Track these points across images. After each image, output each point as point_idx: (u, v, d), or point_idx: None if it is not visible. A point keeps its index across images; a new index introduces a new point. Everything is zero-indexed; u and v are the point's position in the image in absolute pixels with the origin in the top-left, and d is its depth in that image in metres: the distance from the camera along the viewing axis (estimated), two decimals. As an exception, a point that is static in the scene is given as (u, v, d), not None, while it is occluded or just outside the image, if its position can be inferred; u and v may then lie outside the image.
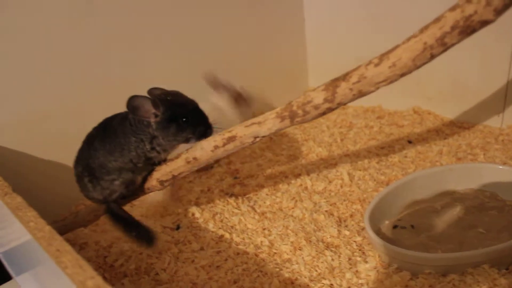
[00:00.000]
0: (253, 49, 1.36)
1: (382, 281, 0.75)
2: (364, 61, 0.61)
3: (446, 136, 1.19)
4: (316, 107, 0.62)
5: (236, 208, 1.00)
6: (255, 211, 0.99)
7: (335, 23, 1.42)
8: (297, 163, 1.15)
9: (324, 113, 0.63)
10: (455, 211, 0.90)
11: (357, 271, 0.80)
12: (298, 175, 1.10)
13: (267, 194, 1.04)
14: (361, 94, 0.60)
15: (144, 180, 0.82)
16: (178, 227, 0.96)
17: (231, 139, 0.70)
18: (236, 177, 1.12)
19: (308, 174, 1.09)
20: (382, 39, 1.28)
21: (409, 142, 1.18)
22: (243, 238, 0.91)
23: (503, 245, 0.73)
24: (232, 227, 0.95)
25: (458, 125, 1.23)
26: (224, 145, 0.71)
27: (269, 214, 0.97)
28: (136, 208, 1.04)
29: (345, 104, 0.62)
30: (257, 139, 0.68)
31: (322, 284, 0.77)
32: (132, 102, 0.72)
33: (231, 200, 1.02)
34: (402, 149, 1.15)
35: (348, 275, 0.78)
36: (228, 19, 1.28)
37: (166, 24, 1.16)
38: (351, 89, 0.60)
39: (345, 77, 0.60)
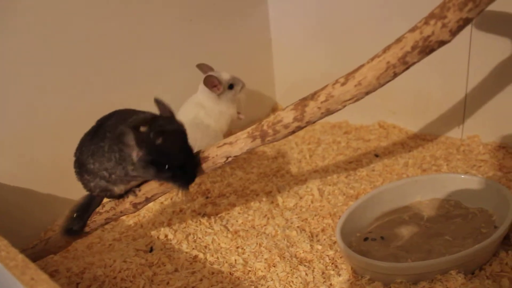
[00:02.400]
0: (221, 67, 1.38)
1: (356, 293, 0.78)
2: (329, 77, 0.64)
3: (411, 148, 1.24)
4: (286, 126, 0.65)
5: (209, 227, 1.01)
6: (228, 230, 1.00)
7: (300, 42, 1.46)
8: (268, 181, 1.17)
9: (293, 132, 0.65)
10: (422, 221, 0.94)
11: (331, 284, 0.82)
12: (269, 192, 1.12)
13: (239, 213, 1.06)
14: (329, 112, 0.63)
15: (127, 191, 0.80)
16: (151, 250, 0.96)
17: (204, 159, 0.72)
18: (207, 196, 1.13)
19: (279, 191, 1.11)
20: (346, 57, 1.33)
21: (376, 155, 1.22)
22: (217, 258, 0.92)
23: (467, 251, 0.77)
24: (205, 247, 0.95)
25: (422, 138, 1.28)
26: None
27: (242, 233, 0.98)
28: (108, 232, 1.04)
29: (314, 122, 0.64)
30: (229, 159, 0.70)
31: (298, 299, 0.79)
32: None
33: (204, 220, 1.03)
34: (370, 163, 1.19)
35: (322, 289, 0.80)
36: (196, 41, 1.30)
37: (128, 50, 1.17)
38: (319, 108, 0.63)
39: (313, 96, 0.63)
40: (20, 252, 0.60)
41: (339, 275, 0.83)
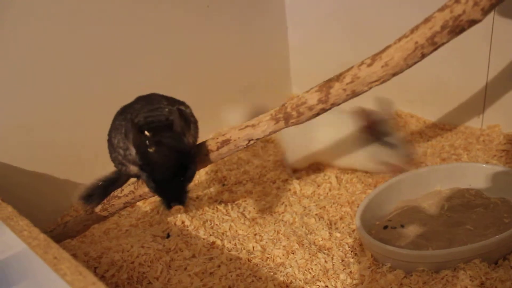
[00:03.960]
0: (237, 57, 1.37)
1: (377, 280, 0.77)
2: (346, 66, 0.62)
3: (429, 138, 1.22)
4: (310, 108, 0.64)
5: (226, 214, 1.00)
6: (245, 217, 0.99)
7: (317, 31, 1.44)
8: (285, 169, 1.16)
9: (318, 114, 0.64)
10: (443, 210, 0.92)
11: (350, 272, 0.81)
12: (286, 180, 1.11)
13: (256, 200, 1.05)
14: (355, 94, 0.61)
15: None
16: (168, 236, 0.95)
17: (225, 142, 0.71)
18: (224, 184, 1.12)
19: (296, 179, 1.10)
20: (364, 46, 1.31)
21: (394, 144, 1.20)
22: (235, 244, 0.91)
23: (491, 240, 0.76)
24: (223, 233, 0.95)
25: (441, 127, 1.26)
26: (218, 149, 0.72)
27: (259, 220, 0.98)
28: (124, 218, 1.04)
29: (338, 104, 0.63)
30: (251, 142, 0.69)
31: (317, 286, 0.78)
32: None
33: (221, 207, 1.02)
34: (387, 153, 1.17)
35: (342, 276, 0.79)
36: (212, 28, 1.29)
37: (149, 35, 1.16)
38: (344, 90, 0.61)
39: (338, 77, 0.62)
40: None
41: (359, 262, 0.82)
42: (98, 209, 0.82)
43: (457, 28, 0.56)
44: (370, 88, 0.61)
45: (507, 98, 1.16)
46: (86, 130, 1.07)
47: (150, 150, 0.64)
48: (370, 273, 0.79)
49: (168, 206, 0.67)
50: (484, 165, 0.99)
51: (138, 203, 1.08)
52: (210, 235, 0.94)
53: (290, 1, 1.47)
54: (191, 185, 1.12)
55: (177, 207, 0.90)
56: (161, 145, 0.64)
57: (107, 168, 1.09)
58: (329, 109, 0.64)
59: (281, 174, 1.13)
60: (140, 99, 0.75)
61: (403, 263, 0.78)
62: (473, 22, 0.56)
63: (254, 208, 1.02)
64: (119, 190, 0.80)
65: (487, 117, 1.21)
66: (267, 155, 1.23)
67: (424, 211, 0.93)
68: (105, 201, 0.81)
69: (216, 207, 1.02)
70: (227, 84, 1.35)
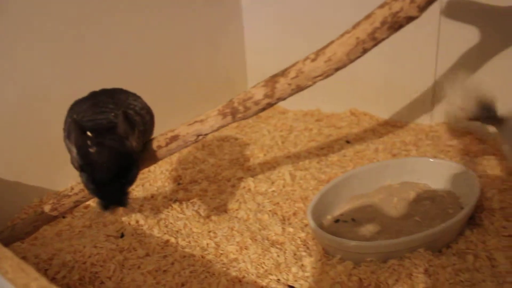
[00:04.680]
0: (194, 56, 1.38)
1: (327, 272, 0.79)
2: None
3: (382, 135, 1.26)
4: (256, 103, 0.65)
5: (180, 213, 1.01)
6: (200, 215, 1.00)
7: (272, 30, 1.47)
8: (240, 167, 1.17)
9: (264, 109, 0.66)
10: (392, 204, 0.96)
11: (302, 265, 0.82)
12: (241, 178, 1.12)
13: (211, 198, 1.06)
14: (299, 88, 0.63)
15: None
16: (122, 235, 0.95)
17: (174, 138, 0.71)
18: (179, 183, 1.13)
19: (251, 177, 1.11)
20: (317, 43, 1.34)
21: (347, 142, 1.24)
22: (189, 242, 0.92)
23: (434, 230, 0.79)
24: (177, 231, 0.95)
25: (392, 124, 1.30)
26: (167, 144, 0.72)
27: (214, 217, 0.99)
28: (78, 219, 1.03)
29: (284, 99, 0.65)
30: (200, 137, 0.70)
31: (270, 280, 0.80)
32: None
33: (175, 206, 1.02)
34: (341, 149, 1.21)
35: (294, 269, 0.81)
36: (169, 26, 1.29)
37: (104, 27, 1.15)
38: (289, 84, 0.63)
39: (283, 72, 0.64)
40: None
41: (311, 256, 0.84)
42: (47, 209, 0.81)
43: (395, 24, 0.59)
44: (315, 82, 0.63)
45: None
46: (36, 134, 1.05)
47: (92, 150, 0.63)
48: (321, 265, 0.81)
49: (105, 208, 0.66)
50: (432, 160, 1.03)
51: (92, 204, 1.07)
52: (165, 233, 0.94)
53: (246, 1, 1.49)
54: (146, 185, 1.13)
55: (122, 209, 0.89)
56: (103, 146, 0.64)
57: (61, 171, 1.09)
58: (275, 103, 0.65)
59: (236, 172, 1.14)
60: (90, 97, 0.74)
61: (352, 255, 0.80)
62: (410, 19, 0.59)
63: (208, 206, 1.02)
64: (69, 188, 0.80)
65: (436, 115, 1.26)
66: (222, 154, 1.24)
67: (375, 205, 0.96)
68: (55, 200, 0.80)
69: (171, 206, 1.03)
70: (182, 84, 1.35)
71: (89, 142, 0.63)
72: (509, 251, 0.80)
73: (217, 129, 0.69)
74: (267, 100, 0.64)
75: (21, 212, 1.07)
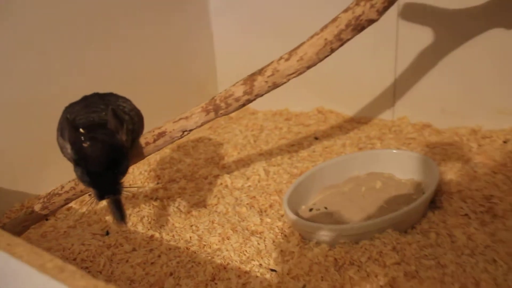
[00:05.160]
0: (164, 60, 1.44)
1: (305, 255, 0.87)
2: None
3: (348, 130, 1.35)
4: (237, 100, 0.73)
5: (162, 209, 1.07)
6: (181, 211, 1.06)
7: (241, 34, 1.55)
8: (215, 165, 1.24)
9: (244, 105, 0.74)
10: (361, 192, 1.05)
11: (281, 250, 0.90)
12: (217, 176, 1.19)
13: (190, 195, 1.12)
14: (275, 85, 0.71)
15: None
16: (107, 233, 1.00)
17: (161, 134, 0.78)
18: (158, 182, 1.19)
19: (227, 174, 1.19)
20: (286, 46, 1.43)
21: (316, 138, 1.33)
22: (173, 236, 0.98)
23: (400, 211, 0.88)
24: (160, 227, 1.01)
25: (357, 121, 1.40)
26: (154, 141, 0.79)
27: (194, 212, 1.05)
28: (61, 221, 1.07)
29: (262, 95, 0.73)
30: (185, 133, 0.77)
31: (252, 265, 0.87)
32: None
33: (156, 203, 1.09)
34: (310, 145, 1.30)
35: (274, 255, 0.89)
36: (138, 32, 1.35)
37: (76, 34, 1.20)
38: (266, 82, 0.71)
39: (260, 71, 0.72)
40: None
41: (289, 241, 0.92)
42: (38, 207, 0.86)
43: (358, 26, 0.68)
44: (288, 80, 0.71)
45: (412, 92, 1.33)
46: (15, 137, 1.10)
47: (85, 145, 0.69)
48: (298, 249, 0.89)
49: (101, 197, 0.72)
50: (395, 151, 1.13)
51: (74, 206, 1.12)
52: (148, 229, 1.00)
53: (215, 6, 1.57)
54: (129, 185, 1.18)
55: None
56: (95, 140, 0.70)
57: (43, 172, 1.13)
58: (254, 99, 0.73)
59: (212, 170, 1.21)
60: (82, 100, 0.80)
61: (327, 238, 0.89)
62: (371, 21, 0.68)
63: (188, 203, 1.09)
64: (59, 187, 0.85)
65: (397, 110, 1.37)
66: (198, 153, 1.31)
67: (345, 194, 1.05)
68: (45, 199, 0.85)
69: (152, 204, 1.09)
70: (153, 88, 1.41)
71: (82, 138, 0.69)
72: (466, 228, 0.90)
73: (201, 125, 0.76)
74: (246, 97, 0.72)
75: (3, 217, 1.11)
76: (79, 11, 1.18)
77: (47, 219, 1.08)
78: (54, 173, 1.13)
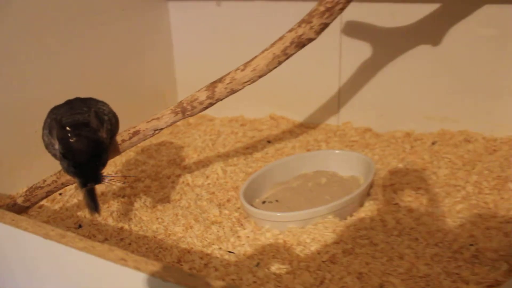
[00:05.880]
0: (125, 70, 1.58)
1: (259, 238, 1.03)
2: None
3: (298, 135, 1.53)
4: (201, 103, 0.89)
5: (129, 205, 1.21)
6: (147, 206, 1.20)
7: (200, 46, 1.71)
8: (177, 166, 1.39)
9: (206, 107, 0.89)
10: (308, 188, 1.22)
11: (238, 236, 1.06)
12: (179, 175, 1.34)
13: (155, 192, 1.26)
14: (233, 91, 0.88)
15: None
16: (80, 226, 1.13)
17: (136, 133, 0.93)
18: (124, 182, 1.32)
19: (188, 173, 1.34)
20: (241, 59, 1.61)
21: (269, 142, 1.50)
22: (141, 227, 1.12)
23: (340, 200, 1.06)
24: (129, 220, 1.15)
25: (306, 126, 1.58)
26: (130, 138, 0.94)
27: (159, 207, 1.19)
28: (34, 218, 1.19)
29: (222, 99, 0.89)
30: (157, 131, 0.92)
31: (213, 248, 1.02)
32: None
33: (124, 200, 1.22)
34: (263, 148, 1.46)
35: (232, 240, 1.04)
36: (97, 41, 1.48)
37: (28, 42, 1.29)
38: (225, 88, 0.87)
39: (221, 79, 0.88)
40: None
41: (244, 228, 1.08)
42: (20, 200, 0.98)
43: (300, 43, 0.85)
44: (244, 87, 0.88)
45: (355, 100, 1.52)
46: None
47: (72, 140, 0.84)
48: (253, 234, 1.05)
49: (84, 185, 0.85)
50: (337, 151, 1.31)
51: (46, 204, 1.24)
52: (118, 222, 1.14)
53: (174, 19, 1.72)
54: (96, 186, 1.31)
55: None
56: (80, 136, 0.84)
57: (13, 171, 1.25)
58: (215, 103, 0.89)
59: (174, 170, 1.36)
60: (66, 103, 0.94)
61: (278, 224, 1.05)
62: (310, 40, 0.85)
63: (154, 199, 1.23)
64: (41, 181, 0.98)
65: (341, 116, 1.56)
66: (160, 156, 1.46)
67: (293, 189, 1.22)
68: (27, 192, 0.98)
69: (120, 200, 1.22)
70: (114, 97, 1.54)
71: (69, 135, 0.83)
72: (395, 214, 1.08)
73: (171, 124, 0.92)
74: (209, 101, 0.88)
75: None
76: (46, 21, 1.30)
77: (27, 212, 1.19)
78: (25, 173, 1.25)
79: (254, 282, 0.90)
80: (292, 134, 1.55)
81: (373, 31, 1.44)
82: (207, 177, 1.32)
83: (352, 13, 1.42)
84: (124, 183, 1.32)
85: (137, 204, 1.20)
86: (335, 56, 1.50)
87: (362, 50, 1.47)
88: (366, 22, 1.44)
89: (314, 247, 0.98)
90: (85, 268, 0.66)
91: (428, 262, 0.93)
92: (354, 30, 1.46)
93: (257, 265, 0.95)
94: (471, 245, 0.97)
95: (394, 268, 0.92)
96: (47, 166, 1.03)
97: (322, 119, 1.60)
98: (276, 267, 0.94)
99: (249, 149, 1.46)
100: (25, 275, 0.76)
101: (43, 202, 1.22)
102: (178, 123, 1.63)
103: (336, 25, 1.46)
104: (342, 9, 0.83)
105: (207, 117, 1.74)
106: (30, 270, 0.74)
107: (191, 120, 1.73)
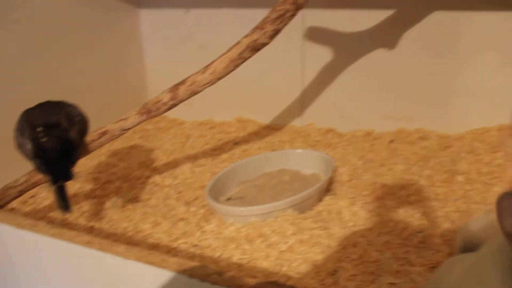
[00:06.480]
0: (99, 79, 1.66)
1: (223, 232, 1.11)
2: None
3: (264, 136, 1.62)
4: (164, 104, 0.97)
5: (100, 206, 1.28)
6: (118, 206, 1.27)
7: (169, 54, 1.80)
8: (147, 168, 1.46)
9: (170, 108, 0.98)
10: (271, 185, 1.31)
11: (204, 230, 1.14)
12: (149, 176, 1.41)
13: (125, 193, 1.33)
14: (194, 93, 0.96)
15: None
16: (52, 225, 1.20)
17: (104, 133, 1.01)
18: (96, 184, 1.39)
19: (157, 174, 1.41)
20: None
21: (236, 143, 1.59)
22: (111, 225, 1.19)
23: (298, 195, 1.15)
24: (100, 219, 1.22)
25: (272, 128, 1.68)
26: (98, 138, 1.01)
27: (129, 206, 1.27)
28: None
29: (184, 100, 0.97)
30: (124, 131, 1.00)
31: (179, 243, 1.10)
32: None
33: (95, 201, 1.29)
34: (231, 149, 1.55)
35: (197, 234, 1.12)
36: (69, 51, 1.55)
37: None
38: (187, 90, 0.96)
39: (183, 82, 0.96)
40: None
41: (210, 224, 1.16)
42: (-7, 200, 1.05)
43: (255, 48, 0.94)
44: (204, 88, 0.96)
45: (317, 103, 1.63)
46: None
47: (43, 140, 0.91)
48: (217, 228, 1.13)
49: (55, 182, 0.93)
50: (299, 151, 1.40)
51: (18, 206, 1.30)
52: (89, 221, 1.21)
53: (145, 29, 1.81)
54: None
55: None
56: (52, 136, 0.92)
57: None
58: (178, 104, 0.98)
59: (144, 172, 1.43)
60: (38, 106, 1.01)
61: (241, 218, 1.14)
62: (264, 44, 0.94)
63: (124, 199, 1.30)
64: (13, 181, 1.05)
65: (305, 118, 1.66)
66: (131, 158, 1.53)
67: (257, 186, 1.30)
68: (0, 192, 1.04)
69: (91, 201, 1.29)
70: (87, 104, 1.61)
71: (41, 135, 0.90)
72: (351, 207, 1.18)
73: (137, 124, 1.00)
74: (172, 102, 0.96)
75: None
76: (19, 27, 1.37)
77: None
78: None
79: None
80: (258, 136, 1.63)
81: (334, 35, 1.54)
82: (176, 177, 1.39)
83: (314, 19, 1.52)
84: (95, 184, 1.39)
85: (107, 205, 1.27)
86: (298, 60, 1.60)
87: (323, 54, 1.57)
88: (328, 28, 1.54)
89: (274, 239, 1.07)
90: (56, 253, 0.73)
91: (379, 249, 1.02)
92: (316, 35, 1.55)
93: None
94: (419, 232, 1.07)
95: (348, 255, 1.01)
96: (19, 168, 1.10)
97: (287, 121, 1.69)
98: (237, 258, 1.02)
99: (216, 151, 1.55)
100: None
101: (15, 204, 1.28)
102: (149, 127, 1.73)
103: (298, 31, 1.56)
104: (292, 16, 0.93)
105: (177, 121, 1.81)
106: (4, 259, 0.81)
107: (162, 124, 1.80)
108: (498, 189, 1.23)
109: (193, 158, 1.51)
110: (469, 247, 0.76)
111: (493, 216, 0.83)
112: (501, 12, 1.38)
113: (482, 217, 0.80)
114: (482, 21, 1.40)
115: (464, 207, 1.16)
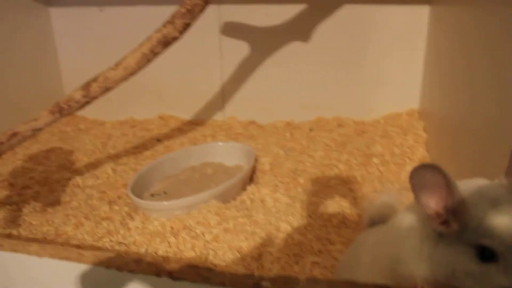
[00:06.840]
0: (13, 79, 1.61)
1: (147, 227, 1.12)
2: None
3: (186, 132, 1.64)
4: (77, 102, 0.96)
5: (17, 211, 1.24)
6: (36, 210, 1.24)
7: (84, 51, 1.77)
8: (67, 170, 1.44)
9: (83, 106, 0.97)
10: (195, 179, 1.33)
11: (128, 228, 1.14)
12: (69, 178, 1.39)
13: (44, 197, 1.31)
14: (107, 89, 0.96)
15: None
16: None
17: (14, 135, 0.98)
18: (12, 190, 1.35)
19: (78, 175, 1.39)
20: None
21: (158, 140, 1.59)
22: (31, 231, 1.16)
23: (220, 186, 1.18)
24: (17, 226, 1.19)
25: (194, 123, 1.69)
26: (8, 140, 0.99)
27: (50, 210, 1.24)
28: None
29: (97, 97, 0.97)
30: (36, 132, 0.98)
31: (104, 242, 1.10)
32: None
33: (12, 207, 1.26)
34: (153, 147, 1.55)
35: (122, 232, 1.12)
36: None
37: None
38: (100, 87, 0.96)
39: (95, 79, 0.96)
40: None
41: (134, 220, 1.16)
42: None
43: (166, 43, 0.96)
44: (117, 84, 0.97)
45: (238, 96, 1.66)
46: None
47: None
48: (142, 224, 1.13)
49: None
50: (221, 143, 1.43)
51: None
52: (5, 228, 1.17)
53: (58, 25, 1.77)
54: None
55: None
56: None
57: None
58: (91, 101, 0.97)
59: (64, 174, 1.41)
60: None
61: (164, 212, 1.15)
62: (175, 38, 0.96)
63: (43, 203, 1.28)
64: None
65: (227, 111, 1.69)
66: (49, 162, 1.49)
67: (181, 181, 1.32)
68: None
69: (8, 208, 1.25)
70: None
71: None
72: (273, 194, 1.22)
73: (50, 124, 0.98)
74: (85, 99, 0.96)
75: None
76: None
77: None
78: None
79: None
80: (181, 131, 1.65)
81: (251, 30, 1.58)
82: (98, 177, 1.38)
83: (230, 14, 1.55)
84: (11, 191, 1.35)
85: (26, 210, 1.24)
86: (216, 55, 1.63)
87: (241, 49, 1.60)
88: (243, 22, 1.58)
89: (199, 230, 1.09)
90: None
91: (302, 232, 1.07)
92: (233, 30, 1.59)
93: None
94: (339, 213, 1.13)
95: (272, 240, 1.05)
96: None
97: (209, 115, 1.71)
98: (163, 251, 1.04)
99: (138, 149, 1.55)
100: None
101: None
102: (68, 128, 1.70)
103: (215, 26, 1.58)
104: (201, 10, 0.95)
105: (97, 121, 1.79)
106: None
107: (82, 125, 1.77)
108: (410, 168, 1.32)
109: (115, 157, 1.50)
110: (375, 221, 0.82)
111: (395, 192, 0.91)
112: (409, 6, 1.48)
113: (385, 194, 0.88)
114: (393, 14, 1.49)
115: (380, 186, 1.24)
